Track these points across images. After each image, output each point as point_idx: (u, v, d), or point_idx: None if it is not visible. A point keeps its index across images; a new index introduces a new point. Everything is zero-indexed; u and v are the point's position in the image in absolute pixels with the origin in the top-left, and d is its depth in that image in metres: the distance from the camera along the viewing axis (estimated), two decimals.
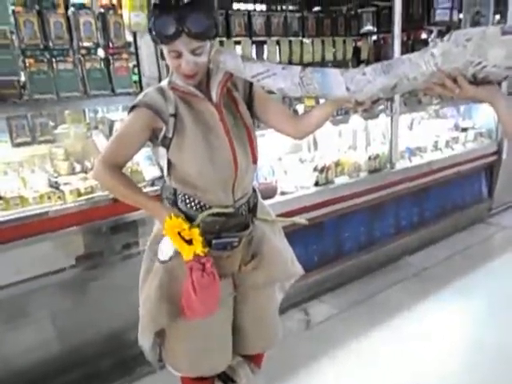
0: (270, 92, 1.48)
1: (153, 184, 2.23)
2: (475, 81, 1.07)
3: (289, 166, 3.12)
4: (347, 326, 2.67)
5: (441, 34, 5.20)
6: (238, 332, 1.65)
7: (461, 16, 4.58)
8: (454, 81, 1.07)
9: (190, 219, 1.41)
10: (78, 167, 2.36)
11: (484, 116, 4.20)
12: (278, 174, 3.00)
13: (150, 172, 2.20)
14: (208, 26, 1.30)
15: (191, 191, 1.45)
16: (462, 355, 2.42)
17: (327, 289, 3.05)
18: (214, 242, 1.42)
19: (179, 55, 1.32)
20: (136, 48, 2.24)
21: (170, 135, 1.39)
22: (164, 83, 1.46)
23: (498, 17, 4.46)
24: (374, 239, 3.34)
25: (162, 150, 1.43)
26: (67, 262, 2.07)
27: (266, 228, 1.63)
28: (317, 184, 2.98)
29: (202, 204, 1.45)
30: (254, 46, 4.18)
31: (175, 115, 1.39)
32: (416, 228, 3.63)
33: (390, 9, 4.94)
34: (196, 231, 1.36)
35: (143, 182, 2.23)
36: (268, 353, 1.87)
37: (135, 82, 2.32)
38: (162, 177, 1.57)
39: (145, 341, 1.55)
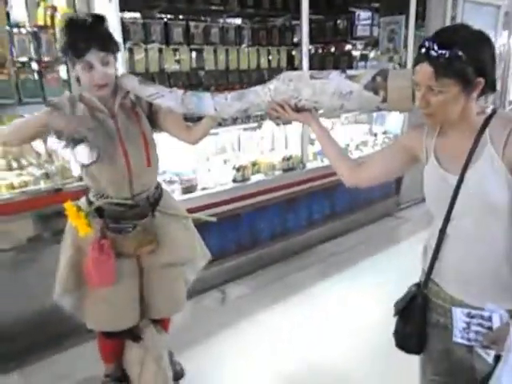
0: None
1: (81, 179, 2.57)
2: (296, 108, 1.51)
3: (212, 166, 3.53)
4: (257, 302, 3.10)
5: (364, 47, 5.81)
6: (145, 300, 2.03)
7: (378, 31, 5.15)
8: (283, 108, 1.51)
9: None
10: (14, 164, 2.68)
11: (393, 122, 4.76)
12: (202, 173, 3.41)
13: (77, 169, 2.55)
14: (111, 39, 1.67)
15: (96, 185, 1.83)
16: (355, 331, 2.80)
17: (244, 273, 3.47)
18: (110, 225, 1.82)
19: (91, 67, 1.63)
20: (67, 62, 2.58)
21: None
22: (75, 93, 1.83)
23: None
24: (288, 230, 3.78)
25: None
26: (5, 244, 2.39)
27: (168, 219, 1.98)
28: (234, 181, 3.40)
29: (104, 196, 1.83)
30: (193, 53, 4.60)
31: None
32: (327, 221, 4.10)
33: (320, 23, 5.49)
34: (81, 214, 1.73)
35: (71, 177, 2.59)
36: (184, 321, 2.37)
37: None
38: None
39: (63, 302, 1.92)
